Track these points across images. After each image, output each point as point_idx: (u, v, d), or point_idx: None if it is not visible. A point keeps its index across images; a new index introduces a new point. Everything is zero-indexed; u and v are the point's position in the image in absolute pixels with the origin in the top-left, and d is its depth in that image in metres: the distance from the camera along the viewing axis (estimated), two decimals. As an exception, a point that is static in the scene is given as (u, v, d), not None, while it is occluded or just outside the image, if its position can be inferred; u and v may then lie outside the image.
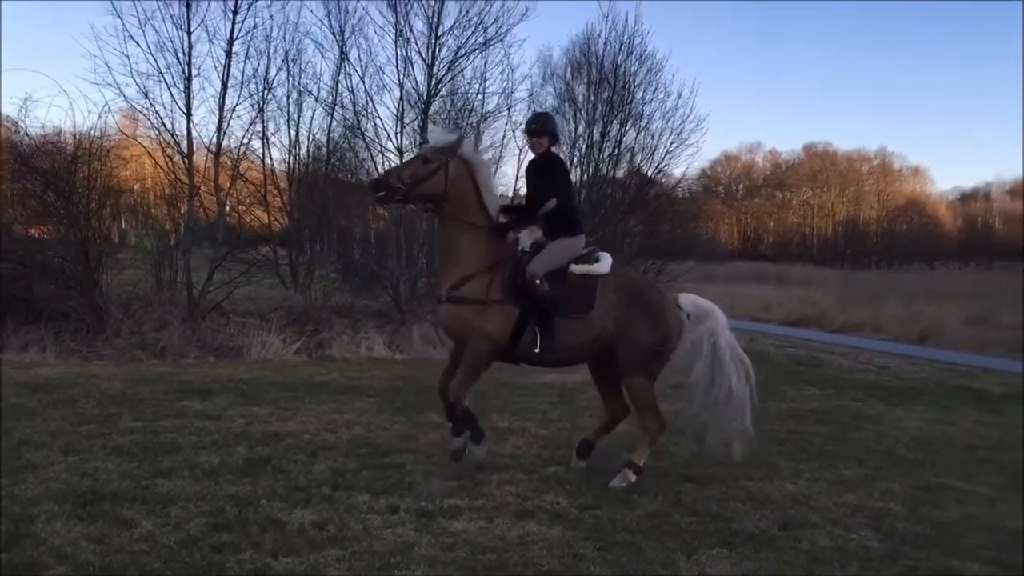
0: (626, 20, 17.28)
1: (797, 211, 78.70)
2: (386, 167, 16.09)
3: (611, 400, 6.49)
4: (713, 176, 73.99)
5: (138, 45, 13.71)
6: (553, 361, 6.22)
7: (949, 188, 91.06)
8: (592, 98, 17.61)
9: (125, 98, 13.90)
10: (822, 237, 75.70)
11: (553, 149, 6.38)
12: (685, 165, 30.60)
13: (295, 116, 15.95)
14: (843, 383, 11.97)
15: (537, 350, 5.82)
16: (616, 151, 17.58)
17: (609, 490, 5.79)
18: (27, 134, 14.05)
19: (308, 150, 18.02)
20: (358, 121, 16.38)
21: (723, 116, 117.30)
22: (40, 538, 4.42)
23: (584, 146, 17.60)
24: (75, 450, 6.22)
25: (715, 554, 4.72)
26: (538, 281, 5.75)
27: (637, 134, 17.73)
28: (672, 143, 17.49)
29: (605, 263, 6.12)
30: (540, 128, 6.21)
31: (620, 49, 17.24)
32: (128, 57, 13.64)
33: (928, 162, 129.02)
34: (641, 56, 17.34)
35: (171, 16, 13.77)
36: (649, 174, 18.21)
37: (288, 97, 15.55)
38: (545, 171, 6.19)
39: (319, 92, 16.20)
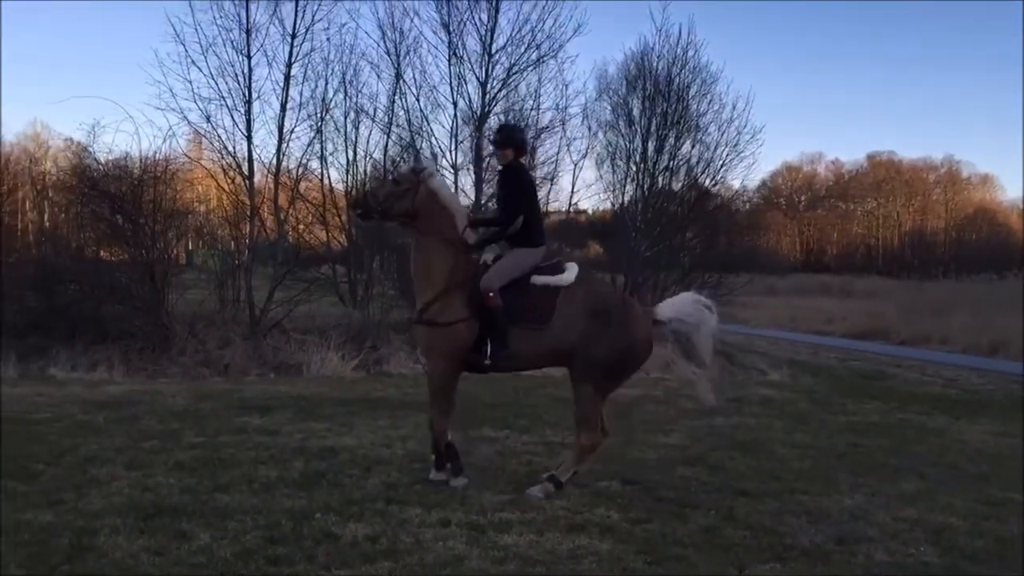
0: (679, 33, 17.22)
1: (861, 222, 77.17)
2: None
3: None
4: (774, 187, 73.08)
5: (200, 71, 14.16)
6: (515, 368, 6.31)
7: (1021, 195, 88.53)
8: (647, 111, 17.54)
9: (188, 122, 14.35)
10: (888, 248, 74.13)
11: (521, 159, 6.49)
12: (742, 177, 30.34)
13: (352, 136, 16.19)
14: (907, 396, 11.74)
15: (487, 361, 5.90)
16: (672, 164, 17.48)
17: (660, 504, 5.75)
18: (96, 159, 14.52)
19: (365, 169, 18.28)
20: (414, 139, 16.59)
21: (783, 127, 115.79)
22: (102, 551, 4.54)
23: (640, 159, 17.53)
24: (138, 465, 6.39)
25: (768, 569, 4.66)
26: (491, 294, 5.84)
27: (693, 146, 17.61)
28: (728, 155, 17.32)
29: (569, 274, 6.11)
30: (503, 140, 6.29)
31: (674, 62, 17.17)
32: (191, 82, 14.10)
33: (997, 169, 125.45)
34: (695, 68, 17.24)
35: (232, 42, 14.20)
36: (706, 186, 18.05)
37: (345, 118, 15.80)
38: (508, 183, 6.28)
39: (375, 112, 16.43)
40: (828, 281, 46.47)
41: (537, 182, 18.25)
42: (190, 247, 21.36)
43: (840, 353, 20.76)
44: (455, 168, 16.38)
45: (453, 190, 6.24)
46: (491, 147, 6.40)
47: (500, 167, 6.39)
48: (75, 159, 16.42)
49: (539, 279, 6.01)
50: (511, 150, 6.23)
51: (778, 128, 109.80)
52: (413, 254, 6.33)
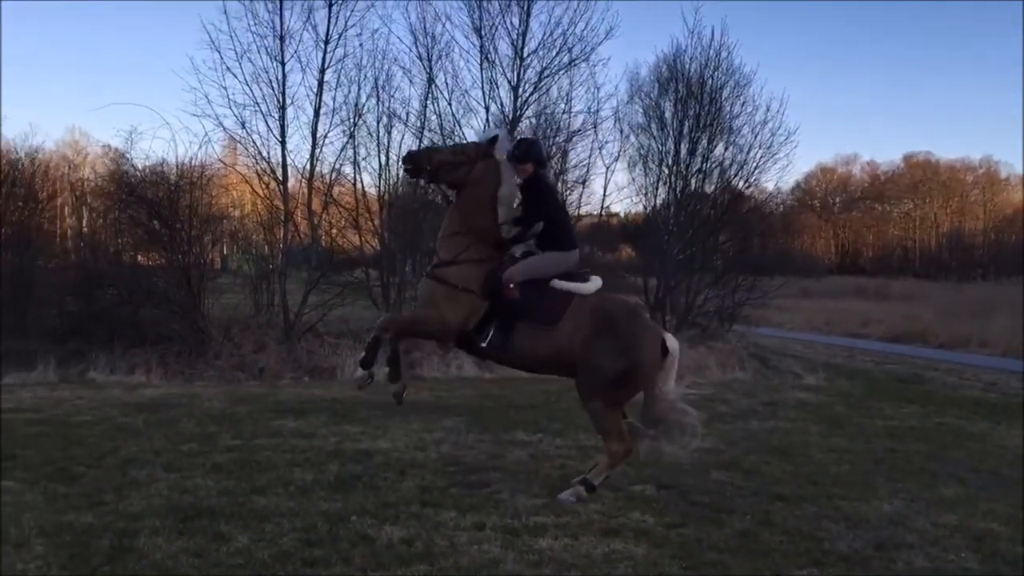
0: (712, 34, 17.12)
1: (898, 223, 76.18)
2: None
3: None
4: (808, 189, 72.40)
5: (235, 77, 14.29)
6: (511, 361, 6.25)
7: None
8: (680, 114, 17.45)
9: (224, 128, 14.48)
10: (925, 250, 73.06)
11: (542, 171, 6.45)
12: (776, 179, 30.06)
13: (385, 141, 16.24)
14: (946, 400, 11.59)
15: (484, 344, 5.92)
16: (705, 166, 17.37)
17: (695, 509, 5.73)
18: (133, 165, 14.71)
19: (398, 174, 18.35)
20: (446, 144, 16.62)
21: (817, 128, 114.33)
22: (143, 552, 4.61)
23: (672, 162, 17.45)
24: (177, 468, 6.47)
25: (805, 575, 4.63)
26: (512, 285, 5.88)
27: (726, 149, 17.46)
28: (762, 157, 17.16)
29: (590, 285, 6.12)
30: (523, 155, 6.27)
31: (707, 64, 17.06)
32: (226, 89, 14.23)
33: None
34: (728, 70, 17.12)
35: (266, 48, 14.32)
36: (739, 189, 17.92)
37: (378, 122, 15.86)
38: (531, 197, 6.27)
39: (408, 117, 16.49)
40: (864, 283, 45.87)
41: (569, 185, 18.25)
42: (225, 252, 21.57)
43: (876, 356, 20.51)
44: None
45: (513, 174, 6.20)
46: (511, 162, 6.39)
47: (519, 181, 6.31)
48: (113, 165, 16.67)
49: (558, 284, 6.03)
50: (531, 164, 6.24)
51: (812, 129, 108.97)
52: (447, 218, 6.33)
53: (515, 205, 6.27)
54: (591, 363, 5.85)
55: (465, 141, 6.63)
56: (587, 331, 5.89)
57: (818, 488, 6.39)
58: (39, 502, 5.50)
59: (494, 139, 6.18)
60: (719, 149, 17.41)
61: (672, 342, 6.08)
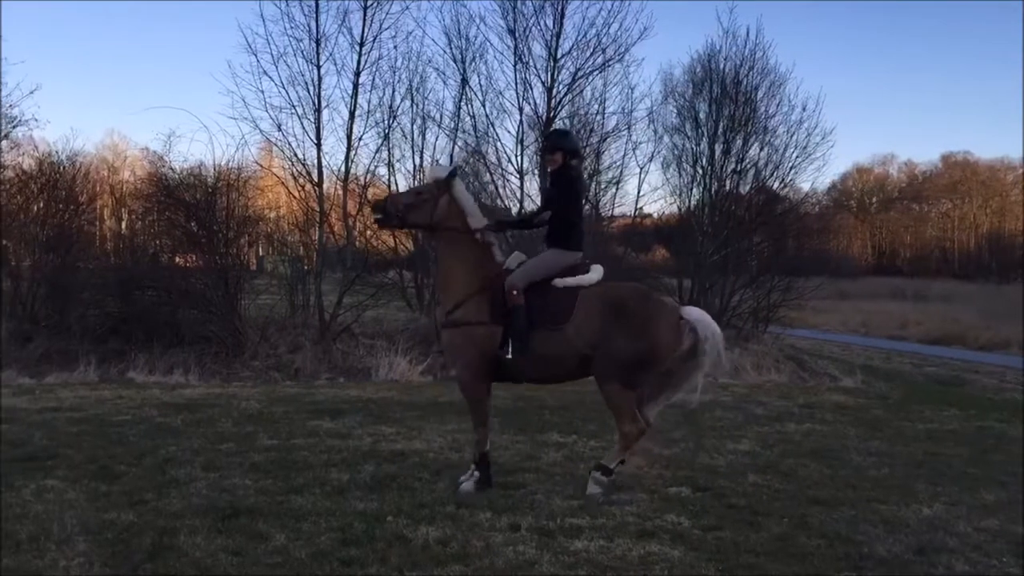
0: (747, 35, 17.01)
1: (936, 224, 75.12)
2: (508, 191, 16.33)
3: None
4: (844, 190, 71.58)
5: (271, 80, 14.43)
6: (536, 376, 6.31)
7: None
8: (714, 114, 17.35)
9: (260, 131, 14.62)
10: (964, 251, 71.96)
11: (573, 162, 6.45)
12: (812, 179, 29.79)
13: (419, 143, 16.33)
14: (987, 403, 11.41)
15: (508, 355, 5.92)
16: (739, 167, 17.26)
17: (731, 511, 5.69)
18: (171, 168, 14.89)
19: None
20: (480, 145, 16.68)
21: (854, 128, 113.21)
22: (182, 550, 4.67)
23: (706, 163, 17.36)
24: (215, 467, 6.55)
25: (844, 579, 4.58)
26: (515, 292, 5.94)
27: (761, 149, 17.33)
28: (798, 157, 17.02)
29: (592, 275, 6.15)
30: (552, 145, 6.42)
31: (742, 63, 16.95)
32: (262, 92, 14.37)
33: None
34: (764, 70, 17.00)
35: (302, 51, 14.43)
36: (774, 189, 17.78)
37: (412, 124, 15.95)
38: (554, 183, 6.38)
39: (442, 118, 16.55)
40: (901, 285, 45.27)
41: (603, 186, 18.20)
42: (261, 253, 21.79)
43: (915, 358, 20.25)
44: (521, 173, 16.42)
45: (473, 200, 6.37)
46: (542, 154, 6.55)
47: (550, 171, 6.46)
48: (152, 168, 16.85)
49: (560, 282, 6.08)
50: (560, 154, 6.31)
51: (848, 129, 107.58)
52: (439, 261, 6.48)
53: (483, 222, 6.36)
54: (607, 348, 5.88)
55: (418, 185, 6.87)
56: (597, 321, 5.91)
57: (856, 492, 6.32)
58: (81, 500, 5.59)
59: (452, 174, 6.33)
60: (754, 149, 17.30)
61: (692, 313, 6.16)
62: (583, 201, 6.54)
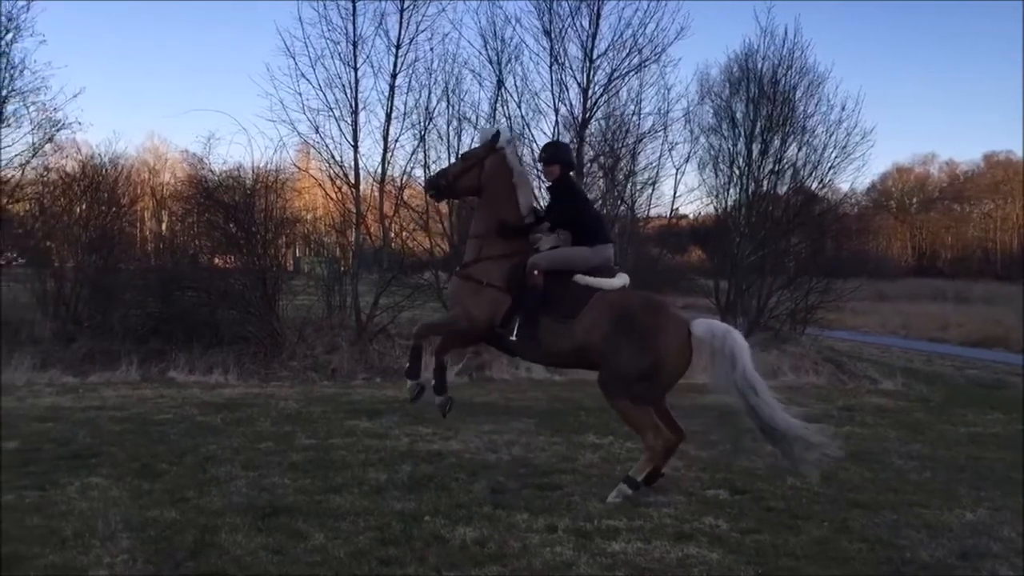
0: (785, 34, 16.87)
1: (978, 224, 73.82)
2: (544, 191, 16.32)
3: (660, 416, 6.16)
4: (884, 190, 70.63)
5: (309, 83, 14.57)
6: (535, 357, 6.38)
7: None
8: (751, 114, 17.23)
9: (298, 133, 14.78)
10: (1006, 251, 70.66)
11: (571, 174, 6.58)
12: (851, 179, 29.44)
13: (455, 144, 16.37)
14: (1030, 407, 11.19)
15: (513, 337, 5.98)
16: (777, 167, 17.11)
17: (770, 514, 5.64)
18: (211, 170, 15.08)
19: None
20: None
21: (894, 127, 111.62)
22: (224, 548, 4.72)
23: (743, 163, 17.24)
24: (254, 466, 6.61)
25: (886, 584, 4.53)
26: (536, 272, 5.98)
27: (799, 149, 17.17)
28: (837, 157, 16.83)
29: (615, 281, 6.12)
30: (548, 157, 6.44)
31: (780, 63, 16.81)
32: (300, 94, 14.52)
33: None
34: (802, 69, 16.84)
35: (339, 54, 14.57)
36: (813, 190, 17.60)
37: (448, 126, 15.98)
38: (555, 198, 6.40)
39: (477, 120, 16.59)
40: (942, 286, 44.54)
41: (638, 187, 18.13)
42: (298, 254, 21.99)
43: (956, 361, 19.95)
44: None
45: (520, 162, 6.44)
46: (539, 165, 6.69)
47: (548, 184, 6.50)
48: (191, 170, 17.09)
49: (581, 278, 6.05)
50: (557, 166, 6.36)
51: (888, 129, 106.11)
52: (473, 221, 6.56)
53: (532, 190, 6.47)
54: (612, 362, 5.80)
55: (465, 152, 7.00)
56: (606, 327, 5.84)
57: (898, 495, 6.25)
58: (124, 498, 5.67)
59: (496, 135, 6.39)
60: (792, 149, 17.15)
61: (699, 327, 5.85)
62: (589, 203, 6.52)
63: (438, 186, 6.60)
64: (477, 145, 6.73)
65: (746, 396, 5.65)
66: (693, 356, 5.86)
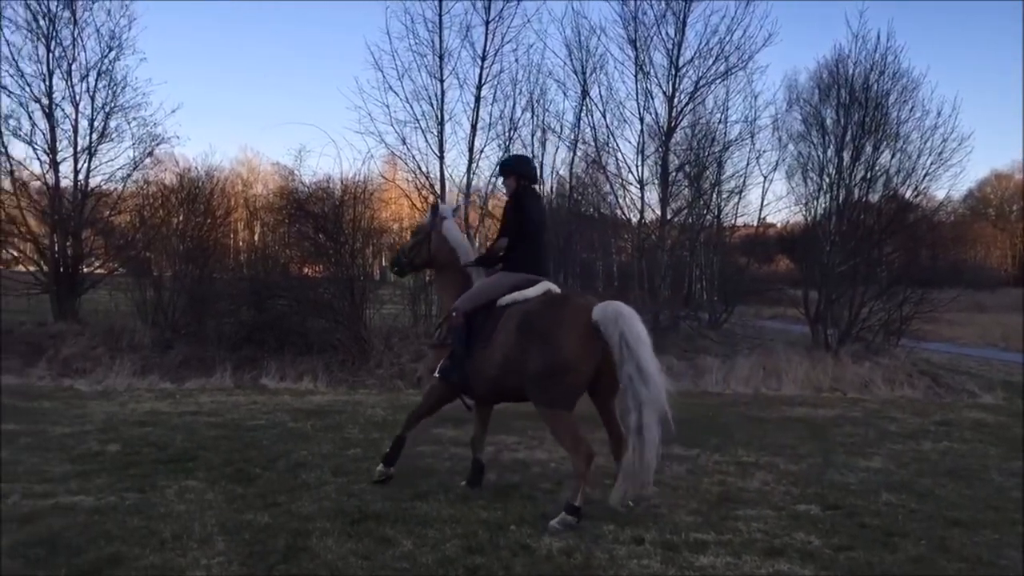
0: (878, 38, 16.47)
1: (1083, 232, 70.69)
2: (628, 200, 16.29)
3: (606, 422, 6.06)
4: (982, 197, 68.23)
5: (396, 95, 14.90)
6: (480, 395, 6.22)
7: None
8: (842, 121, 16.84)
9: (385, 144, 15.14)
10: (1115, 260, 67.46)
11: (533, 187, 6.60)
12: (948, 187, 28.53)
13: (539, 154, 16.50)
14: None
15: (436, 374, 6.16)
16: (869, 175, 16.67)
17: (864, 531, 5.49)
18: (301, 182, 15.48)
19: (552, 186, 18.55)
20: (599, 156, 16.68)
21: (992, 133, 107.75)
22: (315, 552, 4.82)
23: (834, 171, 16.85)
24: (344, 472, 6.74)
25: (987, 606, 4.36)
26: (454, 313, 6.09)
27: (892, 156, 16.71)
28: (932, 164, 16.30)
29: (532, 290, 6.04)
30: (504, 169, 6.61)
31: (872, 68, 16.40)
32: (388, 107, 14.91)
33: None
34: (895, 74, 16.40)
35: (426, 67, 14.85)
36: (907, 198, 17.10)
37: (532, 136, 16.17)
38: (506, 210, 6.44)
39: (562, 129, 16.66)
40: (1045, 297, 42.74)
41: (724, 196, 17.87)
42: (385, 264, 22.33)
43: (1060, 375, 19.08)
44: (641, 183, 16.34)
45: (461, 233, 6.92)
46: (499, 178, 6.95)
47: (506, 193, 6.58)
48: (283, 182, 17.55)
49: (502, 300, 6.05)
50: (512, 179, 6.43)
51: (987, 134, 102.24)
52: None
53: (470, 250, 6.69)
54: (521, 366, 5.62)
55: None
56: (514, 336, 5.71)
57: (999, 514, 6.01)
58: (219, 501, 5.83)
59: (434, 209, 6.83)
60: (885, 156, 16.71)
61: (598, 310, 5.44)
62: (531, 223, 6.27)
63: (400, 263, 7.03)
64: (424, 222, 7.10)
65: (633, 389, 5.35)
66: (604, 343, 5.42)
